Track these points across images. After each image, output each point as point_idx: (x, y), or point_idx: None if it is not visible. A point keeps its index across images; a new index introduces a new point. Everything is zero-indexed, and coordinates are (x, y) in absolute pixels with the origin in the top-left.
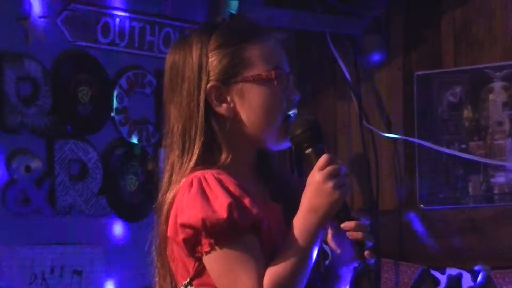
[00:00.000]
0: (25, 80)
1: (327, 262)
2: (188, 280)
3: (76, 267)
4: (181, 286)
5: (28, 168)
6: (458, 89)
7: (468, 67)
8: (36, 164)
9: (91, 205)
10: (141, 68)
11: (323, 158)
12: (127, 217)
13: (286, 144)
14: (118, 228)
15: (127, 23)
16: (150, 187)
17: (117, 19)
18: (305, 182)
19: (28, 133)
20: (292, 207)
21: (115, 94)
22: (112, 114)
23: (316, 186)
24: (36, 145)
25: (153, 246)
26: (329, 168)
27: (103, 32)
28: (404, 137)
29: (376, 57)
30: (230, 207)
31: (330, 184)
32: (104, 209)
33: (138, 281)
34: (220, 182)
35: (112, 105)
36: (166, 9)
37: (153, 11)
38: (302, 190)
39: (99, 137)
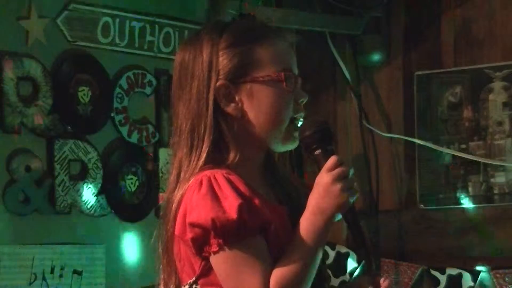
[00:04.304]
0: (25, 80)
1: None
2: (194, 279)
3: (76, 267)
4: (186, 284)
5: (28, 168)
6: (458, 89)
7: (468, 67)
8: (36, 164)
9: (91, 205)
10: (141, 68)
11: (332, 160)
12: (127, 217)
13: (292, 146)
14: (118, 228)
15: (127, 23)
16: (150, 187)
17: (117, 19)
18: (309, 183)
19: (28, 133)
20: (297, 209)
21: (115, 94)
22: (112, 114)
23: (324, 188)
24: (36, 145)
25: (159, 243)
26: (338, 170)
27: (103, 32)
28: (404, 137)
29: (376, 57)
30: (240, 208)
31: (338, 186)
32: (104, 209)
33: (138, 281)
34: (230, 182)
35: (112, 105)
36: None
37: (153, 11)
38: (308, 193)
39: (99, 137)
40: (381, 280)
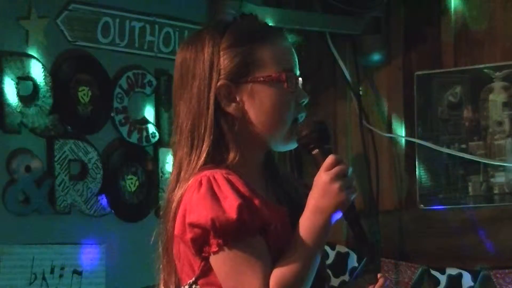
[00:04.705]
0: (25, 80)
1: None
2: (194, 279)
3: (76, 267)
4: (186, 284)
5: (28, 168)
6: (458, 89)
7: (468, 67)
8: (36, 164)
9: (91, 205)
10: (141, 68)
11: (330, 159)
12: (127, 217)
13: (292, 146)
14: (118, 228)
15: (127, 23)
16: (150, 187)
17: (117, 19)
18: (309, 184)
19: (28, 133)
20: (297, 209)
21: (115, 94)
22: (112, 114)
23: (323, 187)
24: (36, 145)
25: (159, 243)
26: (336, 169)
27: (103, 32)
28: (404, 137)
29: (376, 57)
30: (240, 208)
31: (337, 185)
32: (104, 209)
33: (138, 281)
34: (230, 182)
35: (112, 105)
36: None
37: (153, 11)
38: (307, 193)
39: (99, 137)
40: (379, 275)
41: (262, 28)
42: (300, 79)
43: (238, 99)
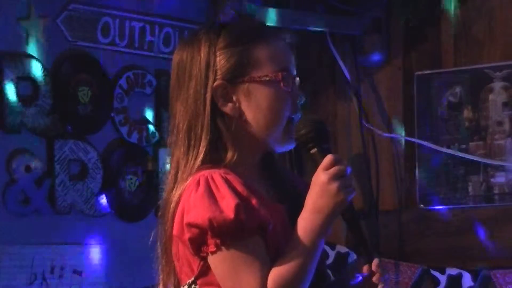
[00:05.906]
0: (25, 80)
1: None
2: (193, 279)
3: (76, 267)
4: (185, 284)
5: (28, 168)
6: (458, 89)
7: (468, 67)
8: (36, 164)
9: (91, 205)
10: (141, 68)
11: (328, 158)
12: (127, 217)
13: (290, 146)
14: (118, 228)
15: (127, 23)
16: (150, 187)
17: (117, 19)
18: (309, 182)
19: (28, 133)
20: (296, 208)
21: (115, 94)
22: (112, 114)
23: (321, 187)
24: (36, 145)
25: (158, 243)
26: (334, 169)
27: (103, 32)
28: (404, 137)
29: (376, 57)
30: (237, 208)
31: (335, 185)
32: (104, 209)
33: (138, 281)
34: (228, 182)
35: (112, 105)
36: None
37: (153, 11)
38: (306, 191)
39: (99, 137)
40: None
41: (258, 27)
42: (297, 78)
43: (234, 99)
